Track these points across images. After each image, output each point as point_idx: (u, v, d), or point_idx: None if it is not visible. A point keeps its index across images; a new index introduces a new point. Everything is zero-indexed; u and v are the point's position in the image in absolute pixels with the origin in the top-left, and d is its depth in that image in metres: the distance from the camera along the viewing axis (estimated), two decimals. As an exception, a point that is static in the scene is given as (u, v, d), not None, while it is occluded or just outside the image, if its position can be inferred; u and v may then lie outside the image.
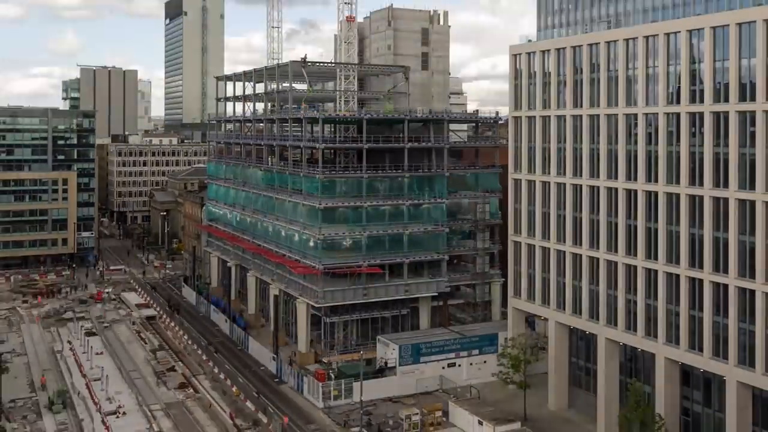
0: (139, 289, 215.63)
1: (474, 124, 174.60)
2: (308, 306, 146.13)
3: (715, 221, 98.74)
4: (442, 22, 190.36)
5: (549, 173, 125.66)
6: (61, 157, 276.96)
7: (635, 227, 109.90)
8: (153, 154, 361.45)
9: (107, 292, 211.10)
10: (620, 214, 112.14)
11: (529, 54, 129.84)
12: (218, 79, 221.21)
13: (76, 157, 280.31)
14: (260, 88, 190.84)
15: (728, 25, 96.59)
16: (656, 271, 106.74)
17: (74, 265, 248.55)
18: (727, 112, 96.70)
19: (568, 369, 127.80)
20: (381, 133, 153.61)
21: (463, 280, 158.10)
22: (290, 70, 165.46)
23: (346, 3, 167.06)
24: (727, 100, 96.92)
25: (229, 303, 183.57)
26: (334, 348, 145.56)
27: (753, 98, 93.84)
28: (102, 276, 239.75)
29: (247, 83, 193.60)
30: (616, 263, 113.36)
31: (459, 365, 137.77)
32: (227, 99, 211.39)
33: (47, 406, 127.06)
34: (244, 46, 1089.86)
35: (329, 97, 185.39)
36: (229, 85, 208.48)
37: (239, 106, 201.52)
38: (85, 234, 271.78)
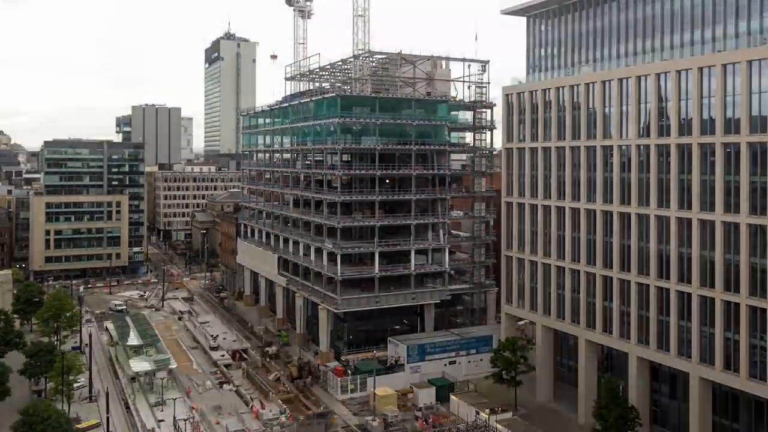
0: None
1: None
2: (328, 312, 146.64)
3: (679, 238, 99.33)
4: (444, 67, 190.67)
5: (537, 197, 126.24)
6: (115, 182, 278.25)
7: (611, 244, 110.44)
8: (194, 180, 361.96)
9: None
10: (598, 233, 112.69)
11: (519, 93, 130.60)
12: (242, 114, 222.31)
13: (127, 182, 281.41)
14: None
15: (691, 68, 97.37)
16: (629, 282, 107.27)
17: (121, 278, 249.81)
18: (691, 144, 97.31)
19: (553, 366, 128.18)
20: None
21: (463, 289, 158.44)
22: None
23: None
24: (690, 133, 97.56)
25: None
26: (351, 348, 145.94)
27: (713, 132, 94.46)
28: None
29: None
30: (594, 275, 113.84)
31: (459, 363, 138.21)
32: (251, 132, 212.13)
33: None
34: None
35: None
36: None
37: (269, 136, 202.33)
38: (135, 249, 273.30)
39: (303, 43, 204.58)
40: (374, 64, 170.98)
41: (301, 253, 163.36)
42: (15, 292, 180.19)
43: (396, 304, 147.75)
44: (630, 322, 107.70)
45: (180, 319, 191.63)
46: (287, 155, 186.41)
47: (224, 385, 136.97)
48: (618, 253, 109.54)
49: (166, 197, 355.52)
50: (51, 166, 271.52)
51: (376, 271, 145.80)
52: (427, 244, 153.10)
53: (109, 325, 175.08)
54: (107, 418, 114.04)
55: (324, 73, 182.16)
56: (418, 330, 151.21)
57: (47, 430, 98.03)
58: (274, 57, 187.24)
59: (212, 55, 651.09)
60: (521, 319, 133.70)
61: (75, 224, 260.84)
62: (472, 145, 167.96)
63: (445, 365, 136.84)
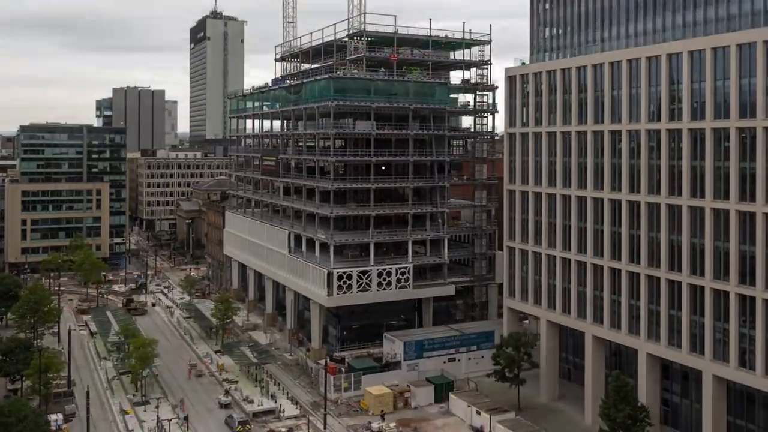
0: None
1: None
2: (321, 307, 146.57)
3: (692, 228, 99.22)
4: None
5: (541, 185, 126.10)
6: (95, 169, 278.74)
7: (619, 234, 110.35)
8: (179, 167, 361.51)
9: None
10: (606, 222, 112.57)
11: (523, 75, 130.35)
12: (230, 97, 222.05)
13: (108, 169, 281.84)
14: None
15: (704, 49, 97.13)
16: (638, 274, 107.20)
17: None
18: (704, 129, 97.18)
19: (558, 363, 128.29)
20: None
21: (463, 282, 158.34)
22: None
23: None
24: (703, 117, 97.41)
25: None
26: (345, 344, 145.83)
27: (727, 116, 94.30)
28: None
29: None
30: (602, 267, 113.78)
31: (458, 360, 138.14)
32: (239, 116, 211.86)
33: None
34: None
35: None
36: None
37: (258, 121, 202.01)
38: (117, 240, 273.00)
39: (293, 22, 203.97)
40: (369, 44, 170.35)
41: (292, 244, 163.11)
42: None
43: (392, 298, 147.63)
44: (639, 317, 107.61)
45: None
46: (277, 140, 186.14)
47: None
48: (627, 244, 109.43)
49: (149, 185, 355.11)
50: (27, 152, 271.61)
51: (372, 263, 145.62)
52: (425, 235, 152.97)
53: (89, 319, 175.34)
54: (87, 418, 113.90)
55: (316, 54, 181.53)
56: (415, 325, 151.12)
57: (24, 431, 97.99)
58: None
59: (198, 34, 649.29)
60: (524, 314, 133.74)
61: (53, 214, 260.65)
62: (472, 129, 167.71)
63: (444, 363, 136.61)
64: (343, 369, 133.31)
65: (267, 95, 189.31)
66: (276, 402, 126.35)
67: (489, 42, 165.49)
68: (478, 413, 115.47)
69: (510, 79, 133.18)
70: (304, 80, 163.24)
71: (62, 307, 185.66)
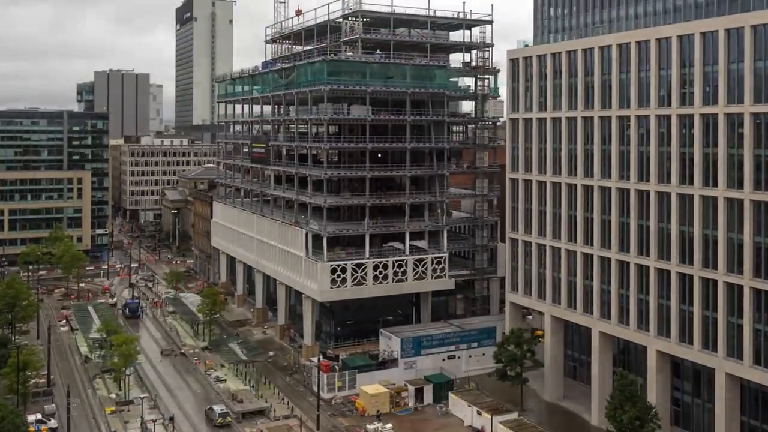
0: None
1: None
2: (313, 301, 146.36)
3: (704, 219, 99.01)
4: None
5: (545, 173, 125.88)
6: (76, 157, 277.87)
7: (628, 225, 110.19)
8: (164, 155, 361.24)
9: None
10: (613, 213, 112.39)
11: (526, 58, 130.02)
12: (218, 81, 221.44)
13: (90, 157, 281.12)
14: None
15: (718, 30, 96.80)
16: (648, 267, 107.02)
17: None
18: (717, 115, 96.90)
19: (563, 361, 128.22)
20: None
21: (463, 276, 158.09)
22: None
23: None
24: (716, 102, 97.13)
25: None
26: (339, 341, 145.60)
27: (741, 101, 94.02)
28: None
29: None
30: (609, 259, 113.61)
31: (458, 357, 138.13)
32: (227, 101, 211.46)
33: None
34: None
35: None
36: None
37: (247, 106, 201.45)
38: (99, 231, 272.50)
39: (284, 2, 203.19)
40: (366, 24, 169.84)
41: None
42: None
43: (389, 292, 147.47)
44: (649, 312, 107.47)
45: None
46: (268, 126, 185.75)
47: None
48: (635, 236, 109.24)
49: (132, 173, 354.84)
50: (4, 138, 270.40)
51: (367, 255, 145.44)
52: (423, 226, 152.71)
53: (70, 315, 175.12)
54: (67, 419, 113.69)
55: (309, 35, 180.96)
56: (413, 321, 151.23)
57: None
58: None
59: (184, 14, 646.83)
60: (527, 310, 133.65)
61: (31, 204, 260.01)
62: (473, 115, 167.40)
63: (444, 360, 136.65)
64: (337, 367, 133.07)
65: (257, 79, 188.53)
66: (266, 401, 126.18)
67: (491, 22, 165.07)
68: (479, 413, 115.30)
69: (513, 62, 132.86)
70: (296, 63, 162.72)
71: (41, 301, 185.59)
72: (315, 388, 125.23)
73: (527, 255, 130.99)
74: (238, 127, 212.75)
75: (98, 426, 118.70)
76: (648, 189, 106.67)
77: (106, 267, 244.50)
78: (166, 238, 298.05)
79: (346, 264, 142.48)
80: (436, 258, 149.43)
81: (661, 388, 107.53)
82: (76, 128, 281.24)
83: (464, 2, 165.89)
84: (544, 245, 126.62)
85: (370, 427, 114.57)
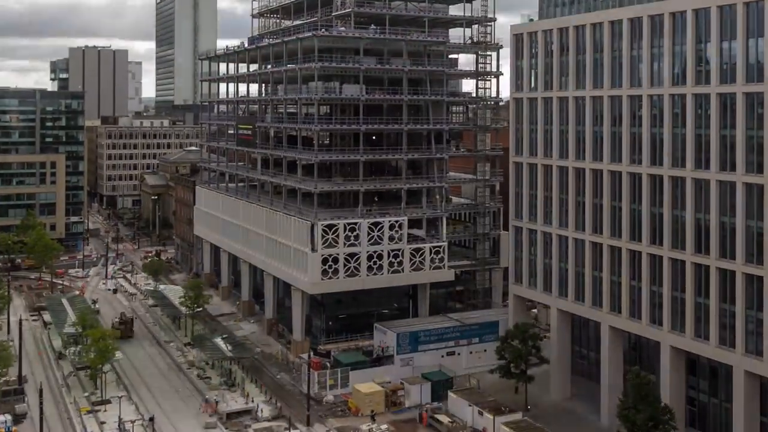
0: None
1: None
2: (303, 294, 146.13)
3: (721, 206, 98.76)
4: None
5: (551, 156, 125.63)
6: (49, 139, 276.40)
7: (639, 212, 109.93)
8: (144, 137, 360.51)
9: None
10: (624, 199, 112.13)
11: (531, 34, 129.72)
12: (202, 58, 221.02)
13: (64, 139, 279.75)
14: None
15: (736, 4, 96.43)
16: (661, 257, 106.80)
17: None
18: (735, 94, 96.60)
19: (571, 358, 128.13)
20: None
21: (464, 266, 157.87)
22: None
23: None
24: (734, 81, 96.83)
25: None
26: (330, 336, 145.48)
27: (761, 79, 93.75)
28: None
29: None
30: (619, 249, 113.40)
31: (458, 354, 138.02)
32: (211, 80, 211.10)
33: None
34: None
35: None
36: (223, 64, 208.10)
37: (233, 85, 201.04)
38: (74, 218, 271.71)
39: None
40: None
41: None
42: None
43: (384, 284, 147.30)
44: (662, 305, 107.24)
45: None
46: (255, 107, 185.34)
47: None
48: (648, 224, 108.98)
49: (110, 157, 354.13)
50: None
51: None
52: (420, 213, 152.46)
53: (43, 307, 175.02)
54: (40, 419, 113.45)
55: (298, 9, 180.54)
56: (410, 315, 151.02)
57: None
58: None
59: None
60: (532, 303, 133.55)
61: (1, 189, 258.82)
62: (474, 94, 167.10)
63: (443, 357, 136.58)
64: (328, 364, 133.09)
65: (243, 56, 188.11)
66: (253, 401, 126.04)
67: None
68: (481, 414, 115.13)
69: (516, 38, 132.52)
70: (285, 39, 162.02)
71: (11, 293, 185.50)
72: (305, 387, 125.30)
73: (532, 244, 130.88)
74: (222, 108, 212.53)
75: (73, 427, 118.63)
76: (661, 173, 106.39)
77: (82, 257, 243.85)
78: (146, 226, 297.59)
79: (338, 253, 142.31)
80: (434, 247, 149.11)
81: (676, 386, 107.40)
82: (49, 108, 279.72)
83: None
84: (550, 234, 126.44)
85: (364, 427, 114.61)
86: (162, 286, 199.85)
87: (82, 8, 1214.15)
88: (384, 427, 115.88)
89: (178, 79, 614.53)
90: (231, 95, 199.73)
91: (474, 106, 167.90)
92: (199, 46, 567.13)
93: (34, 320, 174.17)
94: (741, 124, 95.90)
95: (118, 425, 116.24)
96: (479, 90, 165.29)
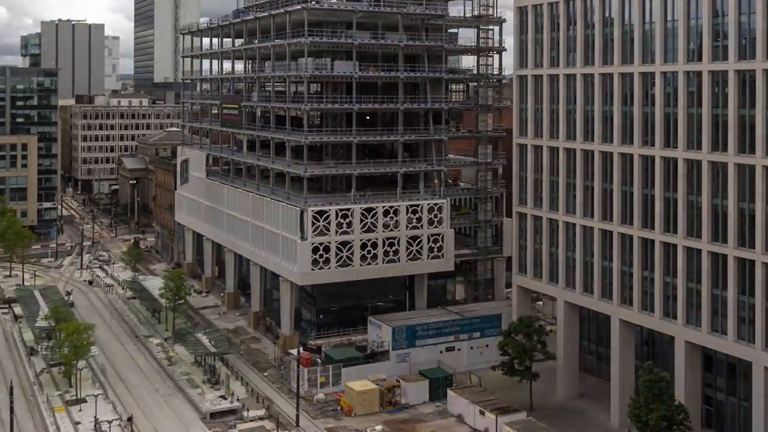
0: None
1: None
2: (292, 285, 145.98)
3: (740, 191, 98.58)
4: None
5: (557, 138, 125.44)
6: (20, 120, 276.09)
7: (652, 197, 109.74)
8: (121, 117, 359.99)
9: None
10: (636, 183, 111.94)
11: (536, 6, 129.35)
12: (183, 33, 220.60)
13: (36, 120, 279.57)
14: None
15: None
16: (675, 246, 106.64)
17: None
18: (754, 71, 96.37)
19: (579, 354, 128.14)
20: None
21: (464, 256, 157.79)
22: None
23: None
24: (753, 57, 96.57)
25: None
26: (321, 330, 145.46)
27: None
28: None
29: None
30: (631, 237, 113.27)
31: (459, 349, 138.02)
32: (193, 56, 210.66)
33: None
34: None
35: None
36: (206, 39, 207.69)
37: (216, 61, 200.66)
38: (46, 204, 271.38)
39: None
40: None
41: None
42: None
43: (379, 274, 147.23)
44: (677, 298, 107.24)
45: None
46: (240, 85, 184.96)
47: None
48: (661, 210, 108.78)
49: (85, 138, 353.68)
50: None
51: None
52: (418, 198, 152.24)
53: (13, 299, 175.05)
54: (11, 419, 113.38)
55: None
56: (406, 308, 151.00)
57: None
58: None
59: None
60: (537, 294, 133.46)
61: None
62: (475, 72, 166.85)
63: (442, 352, 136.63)
64: (319, 360, 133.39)
65: (227, 30, 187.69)
66: (238, 400, 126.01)
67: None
68: (482, 413, 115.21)
69: (520, 11, 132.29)
70: (273, 12, 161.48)
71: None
72: (294, 385, 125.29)
73: (537, 232, 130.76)
74: (205, 86, 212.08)
75: (45, 427, 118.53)
76: (675, 156, 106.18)
77: (55, 246, 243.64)
78: (124, 213, 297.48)
79: (329, 242, 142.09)
80: (432, 235, 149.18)
81: (691, 384, 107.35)
82: (20, 86, 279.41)
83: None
84: (557, 221, 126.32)
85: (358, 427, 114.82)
86: (141, 277, 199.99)
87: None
88: (379, 427, 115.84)
89: (158, 55, 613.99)
90: (215, 72, 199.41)
91: (475, 84, 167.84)
92: (181, 20, 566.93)
93: (4, 313, 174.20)
94: (761, 103, 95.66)
95: (94, 425, 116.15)
96: (480, 67, 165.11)
